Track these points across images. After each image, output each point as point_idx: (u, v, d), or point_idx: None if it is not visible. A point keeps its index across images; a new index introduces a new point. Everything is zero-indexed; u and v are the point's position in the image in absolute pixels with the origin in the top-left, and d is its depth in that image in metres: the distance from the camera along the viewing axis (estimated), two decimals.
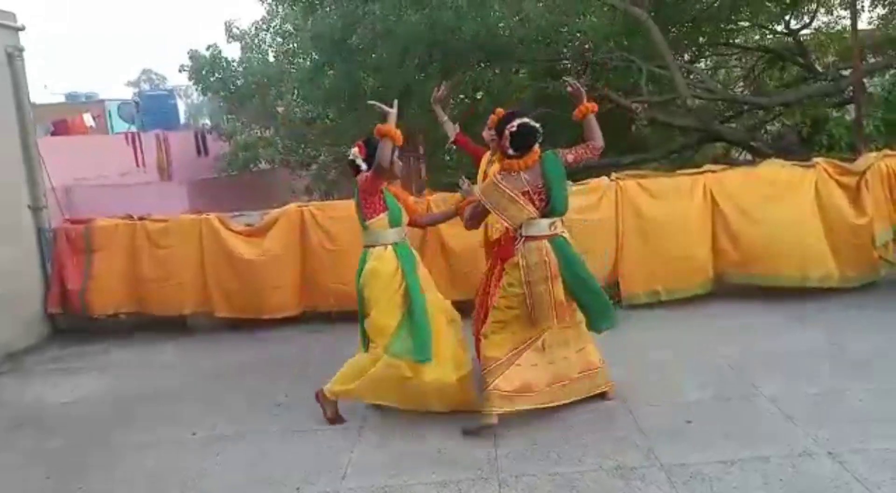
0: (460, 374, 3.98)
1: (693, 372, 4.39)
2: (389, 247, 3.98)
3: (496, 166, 4.29)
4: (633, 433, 3.67)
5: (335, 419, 4.09)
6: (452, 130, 5.07)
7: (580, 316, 4.03)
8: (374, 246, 4.00)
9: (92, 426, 4.39)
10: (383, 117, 3.89)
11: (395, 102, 3.96)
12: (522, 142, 3.84)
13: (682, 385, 4.22)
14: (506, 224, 3.92)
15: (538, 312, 3.83)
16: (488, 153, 4.78)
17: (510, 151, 3.86)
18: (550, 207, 3.86)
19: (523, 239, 3.86)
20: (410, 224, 4.24)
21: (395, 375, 3.88)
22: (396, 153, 3.98)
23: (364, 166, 4.00)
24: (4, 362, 5.74)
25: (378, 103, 3.97)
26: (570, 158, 3.93)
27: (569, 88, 4.11)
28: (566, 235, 3.97)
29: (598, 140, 4.00)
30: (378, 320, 3.93)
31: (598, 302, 3.99)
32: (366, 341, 4.09)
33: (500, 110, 4.10)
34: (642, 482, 3.19)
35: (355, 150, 4.03)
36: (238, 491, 3.47)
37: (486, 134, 4.68)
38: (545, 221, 3.87)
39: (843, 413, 3.70)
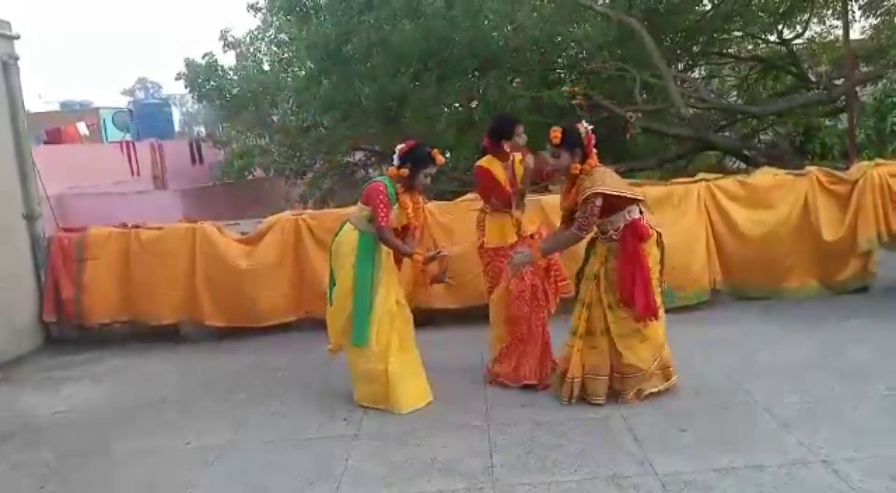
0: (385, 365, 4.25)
1: (688, 380, 4.38)
2: (357, 231, 4.25)
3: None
4: (628, 441, 3.67)
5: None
6: None
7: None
8: (349, 222, 4.33)
9: (86, 435, 4.36)
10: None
11: None
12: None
13: (676, 393, 4.22)
14: (639, 197, 4.07)
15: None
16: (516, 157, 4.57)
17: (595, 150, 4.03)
18: None
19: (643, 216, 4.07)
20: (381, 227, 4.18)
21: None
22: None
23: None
24: None
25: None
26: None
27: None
28: None
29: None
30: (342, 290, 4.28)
31: None
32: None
33: (556, 129, 4.02)
34: (637, 490, 3.19)
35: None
36: None
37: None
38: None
39: (837, 421, 3.71)
